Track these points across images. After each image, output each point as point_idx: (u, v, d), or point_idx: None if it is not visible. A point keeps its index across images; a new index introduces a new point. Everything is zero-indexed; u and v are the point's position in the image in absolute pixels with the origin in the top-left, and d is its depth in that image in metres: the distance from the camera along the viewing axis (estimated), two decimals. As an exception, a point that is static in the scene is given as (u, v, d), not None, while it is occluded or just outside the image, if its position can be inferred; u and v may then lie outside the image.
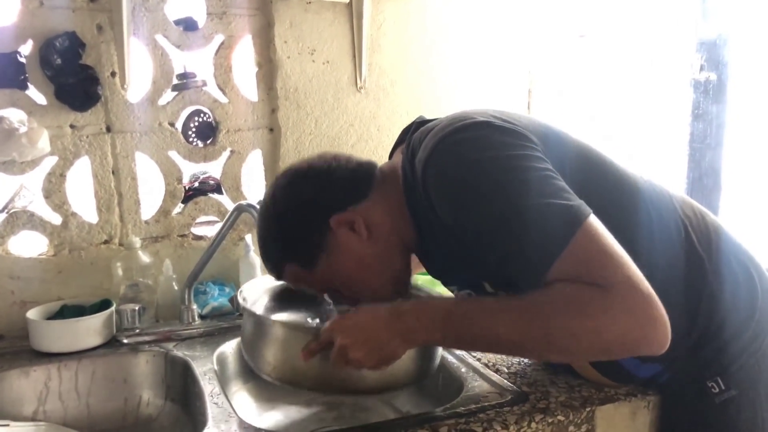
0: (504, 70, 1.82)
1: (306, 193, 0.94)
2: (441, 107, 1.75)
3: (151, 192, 1.51)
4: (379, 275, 0.95)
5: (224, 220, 1.29)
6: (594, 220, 0.77)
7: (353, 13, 1.58)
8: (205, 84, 1.51)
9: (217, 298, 1.46)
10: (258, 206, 1.22)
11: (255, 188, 1.62)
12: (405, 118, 1.71)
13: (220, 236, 1.31)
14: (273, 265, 0.99)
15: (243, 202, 1.27)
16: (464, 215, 0.81)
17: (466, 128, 0.83)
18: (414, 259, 1.00)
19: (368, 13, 1.59)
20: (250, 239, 1.52)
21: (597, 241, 0.75)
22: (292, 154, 1.59)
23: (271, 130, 1.58)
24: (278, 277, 1.00)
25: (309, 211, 0.93)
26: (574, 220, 0.76)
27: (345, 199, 0.93)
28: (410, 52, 1.68)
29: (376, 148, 1.69)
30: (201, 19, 1.48)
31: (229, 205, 1.56)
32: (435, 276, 1.05)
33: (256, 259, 1.51)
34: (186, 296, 1.39)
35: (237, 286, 1.53)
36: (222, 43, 1.50)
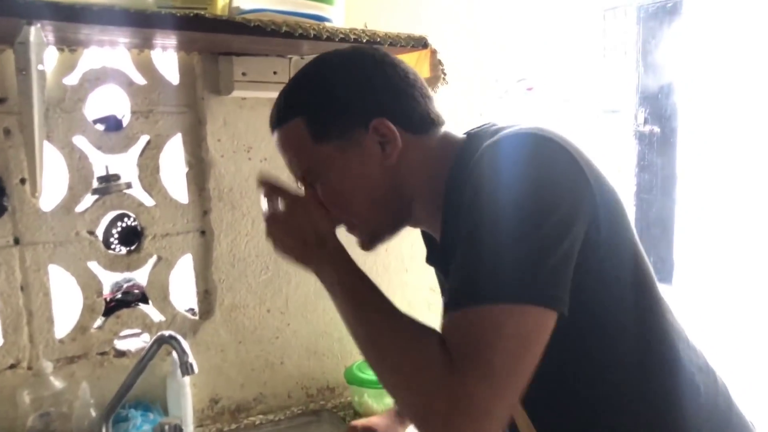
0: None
1: (382, 74, 0.81)
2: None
3: (66, 307, 1.36)
4: (370, 207, 0.84)
5: (144, 351, 1.16)
6: (544, 317, 0.65)
7: (292, 109, 1.49)
8: (129, 186, 1.39)
9: (140, 427, 1.31)
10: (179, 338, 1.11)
11: (185, 297, 1.49)
12: (349, 213, 1.62)
13: (139, 369, 1.17)
14: (283, 109, 0.84)
15: (165, 332, 1.15)
16: (475, 204, 0.70)
17: (550, 142, 0.71)
18: None
19: (308, 107, 1.50)
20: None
21: (520, 334, 0.64)
22: (227, 258, 1.48)
23: (203, 233, 1.46)
24: (275, 125, 0.85)
25: (370, 89, 0.80)
26: (530, 294, 0.64)
27: (404, 115, 0.81)
28: (354, 145, 1.60)
29: (319, 246, 1.58)
30: (125, 117, 1.37)
31: (156, 317, 1.43)
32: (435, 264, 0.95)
33: (185, 378, 1.37)
34: (104, 430, 1.24)
35: (163, 408, 1.39)
36: (148, 143, 1.39)
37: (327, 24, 1.18)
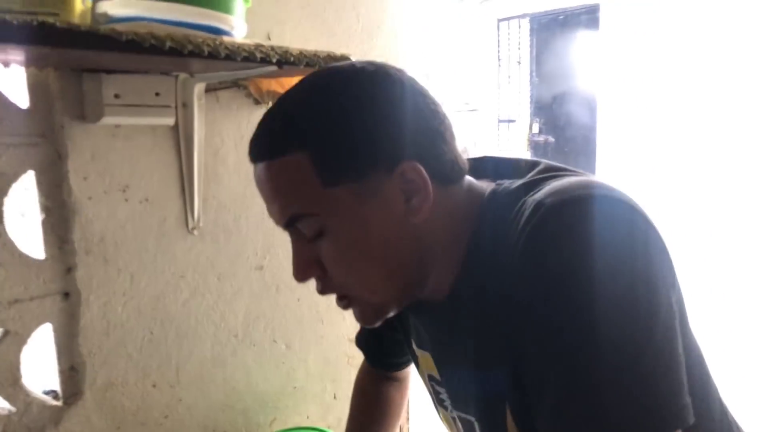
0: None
1: (412, 103, 0.63)
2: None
3: None
4: (382, 274, 0.65)
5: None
6: None
7: (180, 138, 1.22)
8: (-39, 241, 1.06)
9: None
10: None
11: (43, 378, 1.17)
12: (253, 259, 1.36)
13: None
14: (280, 138, 0.62)
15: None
16: (562, 307, 0.55)
17: (618, 205, 0.57)
18: None
19: (200, 135, 1.23)
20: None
21: None
22: (99, 326, 1.17)
23: (67, 295, 1.15)
24: (262, 156, 0.64)
25: (399, 122, 0.62)
26: (675, 418, 0.52)
27: (435, 159, 0.64)
28: (257, 178, 1.35)
29: (217, 302, 1.31)
30: (-47, 151, 1.04)
31: (4, 407, 1.10)
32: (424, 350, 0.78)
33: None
34: None
35: None
36: (-12, 184, 1.07)
37: (225, 38, 0.93)
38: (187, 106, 1.21)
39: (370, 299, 0.67)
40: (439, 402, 0.79)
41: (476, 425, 0.71)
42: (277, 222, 0.65)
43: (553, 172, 0.64)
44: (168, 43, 0.84)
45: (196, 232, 1.27)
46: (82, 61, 1.05)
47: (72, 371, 1.18)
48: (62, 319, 1.16)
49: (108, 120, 1.11)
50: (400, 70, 0.65)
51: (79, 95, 1.11)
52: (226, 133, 1.29)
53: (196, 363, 1.30)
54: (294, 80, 1.24)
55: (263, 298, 1.38)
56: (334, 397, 1.51)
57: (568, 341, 0.53)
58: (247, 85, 1.28)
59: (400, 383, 1.06)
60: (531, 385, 0.58)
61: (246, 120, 1.32)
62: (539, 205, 0.58)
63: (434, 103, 0.66)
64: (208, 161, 1.27)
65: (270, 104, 1.30)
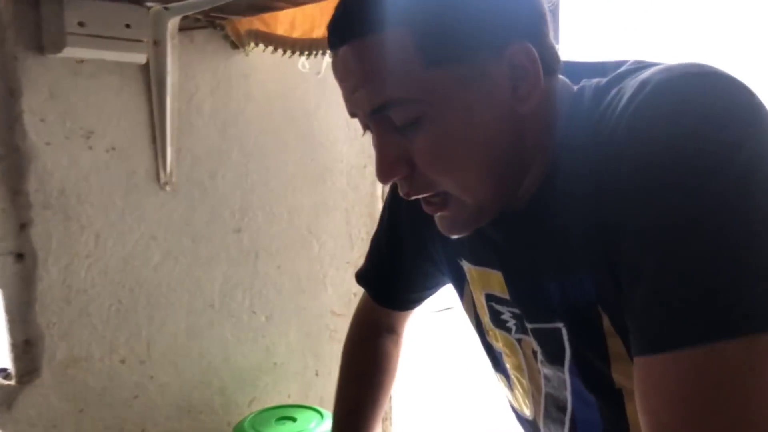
0: (352, 137, 1.42)
1: None
2: (279, 203, 1.31)
3: None
4: (484, 169, 0.56)
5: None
6: None
7: (152, 79, 1.08)
8: None
9: None
10: None
11: (-6, 353, 1.01)
12: (230, 221, 1.23)
13: None
14: (373, 12, 0.52)
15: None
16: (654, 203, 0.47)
17: (736, 83, 0.49)
18: None
19: (173, 78, 1.10)
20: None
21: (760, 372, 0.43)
22: (59, 292, 1.03)
23: (20, 256, 1.00)
24: (352, 34, 0.53)
25: (505, 2, 0.54)
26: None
27: (544, 45, 0.55)
28: (235, 131, 1.22)
29: (191, 267, 1.18)
30: None
31: (-55, 387, 0.94)
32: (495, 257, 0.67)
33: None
34: None
35: None
36: (-76, 122, 0.90)
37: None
38: (159, 44, 1.07)
39: (466, 200, 0.57)
40: (498, 324, 0.70)
41: (564, 331, 0.63)
42: (362, 110, 0.55)
43: (647, 62, 0.57)
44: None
45: (168, 187, 1.14)
46: (42, -22, 0.91)
47: (27, 345, 1.02)
48: (15, 285, 1.00)
49: (70, 51, 0.97)
50: None
51: (37, 21, 0.96)
52: (200, 77, 1.16)
53: (169, 336, 1.16)
54: (282, 16, 1.14)
55: (241, 265, 1.25)
56: (316, 374, 1.40)
57: (672, 221, 0.46)
58: (225, 25, 1.16)
59: (398, 337, 0.96)
60: (625, 278, 0.51)
61: (222, 65, 1.19)
62: (645, 82, 0.50)
63: None
64: (182, 108, 1.14)
65: (252, 46, 1.18)
